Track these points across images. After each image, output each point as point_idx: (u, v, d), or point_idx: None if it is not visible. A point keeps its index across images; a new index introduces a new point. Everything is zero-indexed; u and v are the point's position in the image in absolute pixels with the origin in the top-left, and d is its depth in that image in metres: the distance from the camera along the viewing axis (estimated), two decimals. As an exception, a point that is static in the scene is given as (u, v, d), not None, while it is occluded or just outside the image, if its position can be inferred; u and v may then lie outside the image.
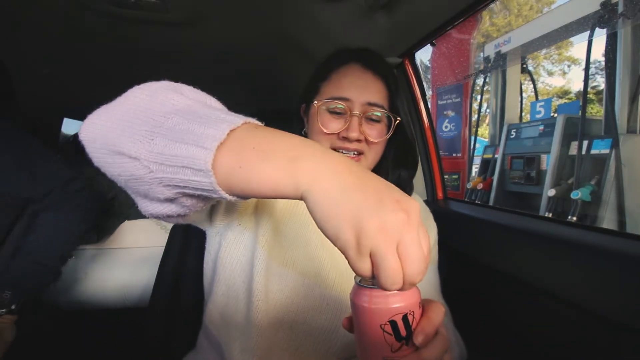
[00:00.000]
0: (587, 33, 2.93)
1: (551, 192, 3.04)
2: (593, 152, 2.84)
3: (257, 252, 0.54)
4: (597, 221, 2.67)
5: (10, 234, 0.95)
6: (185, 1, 0.89)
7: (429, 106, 1.20)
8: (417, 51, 1.04)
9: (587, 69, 3.03)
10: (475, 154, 4.70)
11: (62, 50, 1.22)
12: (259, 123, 0.33)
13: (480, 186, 3.97)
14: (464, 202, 1.24)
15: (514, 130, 3.85)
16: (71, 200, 0.98)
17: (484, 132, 6.55)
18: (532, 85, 5.69)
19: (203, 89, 0.37)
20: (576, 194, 2.72)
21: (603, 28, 2.83)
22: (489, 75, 4.35)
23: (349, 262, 0.28)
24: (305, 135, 0.66)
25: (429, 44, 0.95)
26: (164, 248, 0.76)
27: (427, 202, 0.96)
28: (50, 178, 0.96)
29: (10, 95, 1.05)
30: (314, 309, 0.54)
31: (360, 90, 0.60)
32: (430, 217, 0.72)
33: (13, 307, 0.88)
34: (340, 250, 0.28)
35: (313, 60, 1.03)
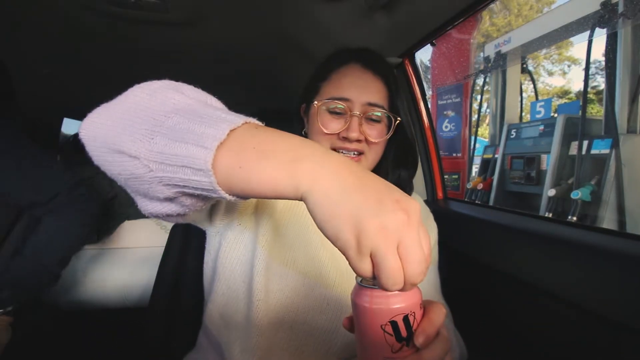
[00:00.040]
0: (587, 33, 2.93)
1: (551, 192, 3.04)
2: (593, 152, 2.84)
3: (257, 251, 0.54)
4: (597, 221, 2.67)
5: (11, 234, 0.95)
6: (185, 1, 0.89)
7: (429, 106, 1.20)
8: (417, 51, 1.04)
9: (587, 69, 3.03)
10: (475, 154, 4.70)
11: (62, 50, 1.22)
12: (260, 123, 0.33)
13: (480, 186, 3.96)
14: (464, 202, 1.24)
15: (514, 130, 3.85)
16: (75, 205, 0.98)
17: (484, 132, 6.54)
18: (532, 85, 5.70)
19: (203, 89, 0.37)
20: (576, 194, 2.72)
21: (603, 28, 2.83)
22: (489, 75, 4.34)
23: (349, 263, 0.28)
24: (306, 136, 0.66)
25: (429, 44, 0.95)
26: (164, 248, 0.76)
27: (427, 202, 0.96)
28: (55, 182, 0.95)
29: (10, 95, 1.05)
30: (315, 309, 0.54)
31: (360, 90, 0.60)
32: (430, 217, 0.72)
33: (9, 308, 0.87)
34: (341, 251, 0.28)
35: (313, 60, 1.03)
